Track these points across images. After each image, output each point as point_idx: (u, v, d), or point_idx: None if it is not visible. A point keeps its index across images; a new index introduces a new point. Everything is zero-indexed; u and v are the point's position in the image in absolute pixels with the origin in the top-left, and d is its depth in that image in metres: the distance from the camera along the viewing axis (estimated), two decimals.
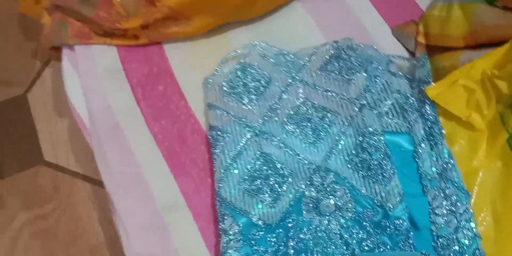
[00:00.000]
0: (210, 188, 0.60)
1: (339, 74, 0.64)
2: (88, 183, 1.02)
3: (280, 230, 0.53)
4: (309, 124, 0.60)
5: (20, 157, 1.06)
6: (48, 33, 0.75)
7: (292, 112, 0.62)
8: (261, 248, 0.52)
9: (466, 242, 0.52)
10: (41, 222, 0.99)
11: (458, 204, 0.53)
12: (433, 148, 0.57)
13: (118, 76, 0.69)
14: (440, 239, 0.52)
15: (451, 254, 0.51)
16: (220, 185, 0.56)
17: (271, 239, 0.53)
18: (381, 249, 0.51)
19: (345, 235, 0.52)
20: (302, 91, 0.63)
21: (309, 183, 0.56)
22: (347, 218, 0.53)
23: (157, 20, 0.67)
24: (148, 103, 0.67)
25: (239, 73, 0.65)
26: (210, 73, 0.67)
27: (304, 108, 0.62)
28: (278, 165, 0.57)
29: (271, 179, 0.56)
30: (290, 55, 0.68)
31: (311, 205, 0.55)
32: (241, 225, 0.53)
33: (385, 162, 0.55)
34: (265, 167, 0.57)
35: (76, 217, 0.99)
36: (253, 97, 0.63)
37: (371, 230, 0.52)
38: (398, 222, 0.52)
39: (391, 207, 0.53)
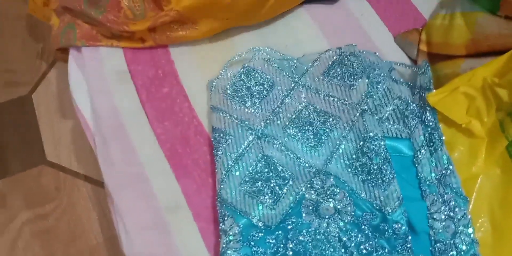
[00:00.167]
0: (211, 189, 0.61)
1: (341, 79, 0.65)
2: (89, 183, 1.02)
3: (280, 232, 0.54)
4: (311, 128, 0.61)
5: (23, 156, 1.07)
6: (56, 34, 0.76)
7: (294, 116, 0.62)
8: (260, 249, 0.53)
9: (464, 247, 0.52)
10: (41, 221, 0.99)
11: (456, 209, 0.54)
12: (433, 154, 0.58)
13: (123, 78, 0.70)
14: (437, 244, 0.52)
15: None
16: (221, 186, 0.57)
17: (271, 241, 0.53)
18: (379, 253, 0.52)
19: (344, 238, 0.53)
20: (304, 95, 0.64)
21: (309, 186, 0.56)
22: (346, 221, 0.54)
23: (164, 24, 0.68)
24: (153, 104, 0.67)
25: (243, 76, 0.66)
26: (214, 76, 0.68)
27: (306, 112, 0.63)
28: (279, 168, 0.58)
29: (272, 181, 0.57)
30: (294, 61, 0.68)
31: (310, 207, 0.55)
32: (241, 226, 0.54)
33: (384, 167, 0.56)
34: (266, 170, 0.58)
35: (77, 217, 0.99)
36: (256, 100, 0.64)
37: (370, 233, 0.53)
38: (397, 226, 0.52)
39: (390, 211, 0.53)
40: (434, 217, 0.53)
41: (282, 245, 0.53)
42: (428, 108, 0.60)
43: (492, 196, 0.55)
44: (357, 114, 0.61)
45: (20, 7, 1.23)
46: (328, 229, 0.53)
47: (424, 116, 0.60)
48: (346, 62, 0.66)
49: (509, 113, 0.57)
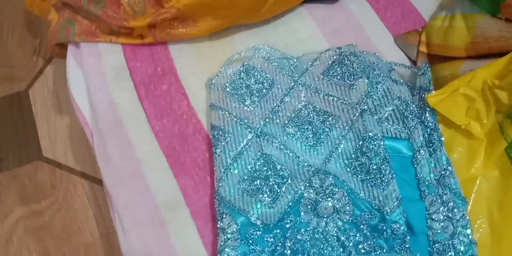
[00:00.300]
0: (209, 187, 0.60)
1: (341, 79, 0.65)
2: (85, 180, 1.02)
3: (278, 230, 0.54)
4: (310, 127, 0.61)
5: (19, 152, 1.06)
6: (55, 29, 0.75)
7: (293, 115, 0.62)
8: (258, 248, 0.52)
9: (462, 248, 0.52)
10: (37, 218, 0.99)
11: (455, 210, 0.54)
12: (432, 154, 0.58)
13: (122, 74, 0.69)
14: (436, 245, 0.52)
15: None
16: (219, 184, 0.56)
17: (269, 239, 0.53)
18: (377, 252, 0.52)
19: (342, 238, 0.52)
20: (304, 94, 0.64)
21: (308, 185, 0.56)
22: (345, 220, 0.54)
23: (164, 21, 0.68)
24: (151, 101, 0.67)
25: (242, 75, 0.66)
26: (213, 74, 0.67)
27: (306, 112, 0.63)
28: (278, 166, 0.58)
29: (270, 179, 0.57)
30: (294, 60, 0.68)
31: (309, 206, 0.55)
32: (239, 224, 0.54)
33: (384, 167, 0.56)
34: (265, 168, 0.57)
35: (72, 214, 0.99)
36: (256, 99, 0.64)
37: (368, 233, 0.53)
38: (395, 226, 0.52)
39: (389, 211, 0.53)
40: (433, 217, 0.53)
41: (280, 244, 0.53)
42: (428, 109, 0.60)
43: (491, 198, 0.55)
44: (357, 113, 0.61)
45: (17, 2, 1.22)
46: (326, 228, 0.53)
47: (423, 117, 0.60)
48: (346, 62, 0.66)
49: (508, 115, 0.57)
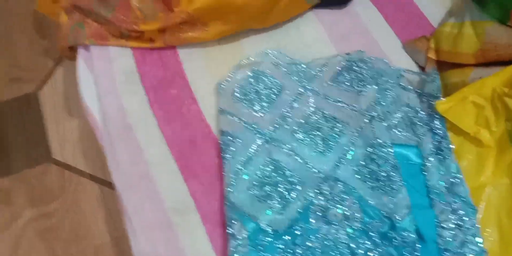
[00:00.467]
0: (218, 192, 0.60)
1: (350, 85, 0.65)
2: (95, 182, 1.02)
3: (288, 237, 0.54)
4: (319, 133, 0.61)
5: (29, 154, 1.06)
6: (65, 32, 0.75)
7: (302, 121, 0.63)
8: (268, 254, 0.53)
9: None
10: (45, 220, 0.99)
11: (465, 218, 0.54)
12: (441, 162, 0.58)
13: (132, 79, 0.70)
14: (446, 253, 0.52)
15: None
16: (229, 189, 0.57)
17: (279, 246, 0.53)
18: None
19: (352, 245, 0.53)
20: (313, 100, 0.64)
21: (317, 191, 0.56)
22: (355, 228, 0.54)
23: (174, 25, 0.68)
24: (161, 106, 0.67)
25: (251, 80, 0.66)
26: (223, 78, 0.68)
27: (315, 118, 0.63)
28: (287, 173, 0.58)
29: (280, 186, 0.57)
30: (302, 65, 0.69)
31: (319, 213, 0.55)
32: (249, 230, 0.54)
33: (393, 174, 0.56)
34: (274, 174, 0.58)
35: (81, 216, 0.99)
36: (265, 104, 0.64)
37: (378, 240, 0.53)
38: (405, 234, 0.52)
39: (399, 218, 0.53)
40: (443, 225, 0.53)
41: (290, 251, 0.53)
42: (437, 116, 0.60)
43: (500, 206, 0.55)
44: (366, 120, 0.61)
45: (27, 4, 1.23)
46: (336, 235, 0.53)
47: (432, 124, 0.60)
48: (355, 68, 0.66)
49: None
